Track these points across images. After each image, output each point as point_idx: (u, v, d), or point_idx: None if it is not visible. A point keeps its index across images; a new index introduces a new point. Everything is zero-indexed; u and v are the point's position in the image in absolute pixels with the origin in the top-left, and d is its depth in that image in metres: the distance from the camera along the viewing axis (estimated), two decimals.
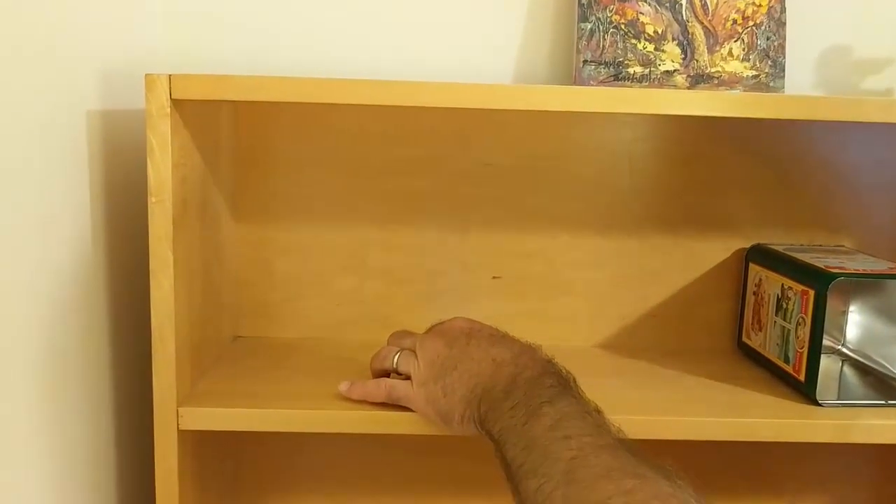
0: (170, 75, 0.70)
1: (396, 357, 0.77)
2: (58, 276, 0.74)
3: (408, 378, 0.75)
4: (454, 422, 0.71)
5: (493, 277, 0.98)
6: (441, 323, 0.78)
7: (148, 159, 0.71)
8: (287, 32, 0.94)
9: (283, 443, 1.01)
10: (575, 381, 0.69)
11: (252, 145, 0.93)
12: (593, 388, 0.68)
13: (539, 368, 0.69)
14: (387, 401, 0.76)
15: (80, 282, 0.78)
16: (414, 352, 0.75)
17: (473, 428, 0.69)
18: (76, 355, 0.78)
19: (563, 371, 0.70)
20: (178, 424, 0.75)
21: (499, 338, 0.75)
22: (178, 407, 0.75)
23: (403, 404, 0.75)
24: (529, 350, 0.72)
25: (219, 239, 0.89)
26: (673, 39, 0.90)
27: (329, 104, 0.72)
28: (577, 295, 0.98)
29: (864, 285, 0.92)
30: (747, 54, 0.91)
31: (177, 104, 0.71)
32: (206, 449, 0.85)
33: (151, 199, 0.71)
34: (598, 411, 0.65)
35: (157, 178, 0.71)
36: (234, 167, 0.93)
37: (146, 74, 0.70)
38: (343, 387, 0.78)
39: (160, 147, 0.71)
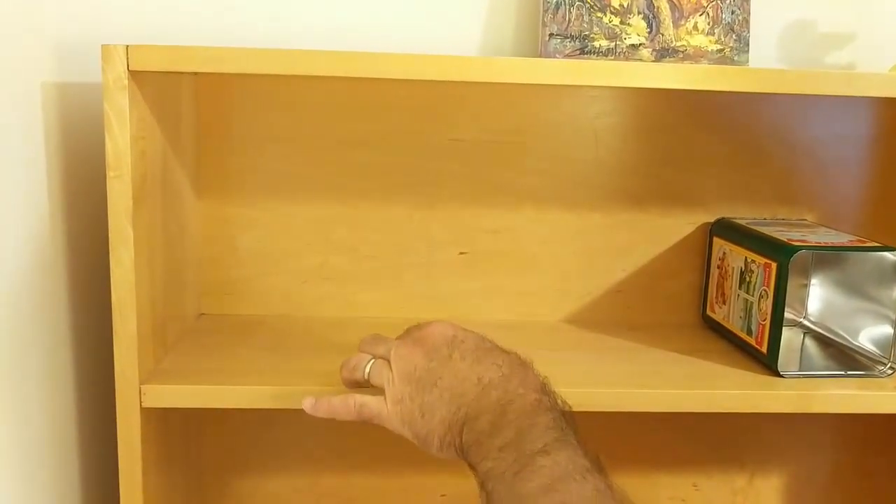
0: (127, 46, 0.68)
1: (368, 367, 0.68)
2: (15, 253, 0.72)
3: (381, 391, 0.67)
4: (433, 446, 0.64)
5: (460, 253, 0.97)
6: (420, 327, 0.69)
7: (106, 133, 0.69)
8: (249, 3, 0.92)
9: (249, 420, 1.00)
10: (571, 412, 0.62)
11: (214, 119, 0.92)
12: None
13: (531, 398, 0.61)
14: (357, 419, 0.68)
15: (39, 259, 0.76)
16: (388, 361, 0.67)
17: (454, 454, 0.63)
18: (36, 334, 0.76)
19: (559, 400, 0.63)
20: (140, 402, 0.74)
21: (485, 350, 0.66)
22: (140, 384, 0.74)
23: (376, 423, 0.67)
24: (520, 369, 0.64)
25: (181, 214, 0.87)
26: (638, 13, 0.90)
27: (292, 76, 0.71)
28: (543, 270, 0.98)
29: (825, 258, 0.93)
30: (712, 28, 0.91)
31: (135, 76, 0.69)
32: (170, 427, 0.84)
33: (110, 174, 0.70)
34: (598, 461, 0.58)
35: (116, 151, 0.70)
36: (196, 141, 0.91)
37: (102, 45, 0.68)
38: (307, 403, 0.69)
39: (118, 120, 0.69)
